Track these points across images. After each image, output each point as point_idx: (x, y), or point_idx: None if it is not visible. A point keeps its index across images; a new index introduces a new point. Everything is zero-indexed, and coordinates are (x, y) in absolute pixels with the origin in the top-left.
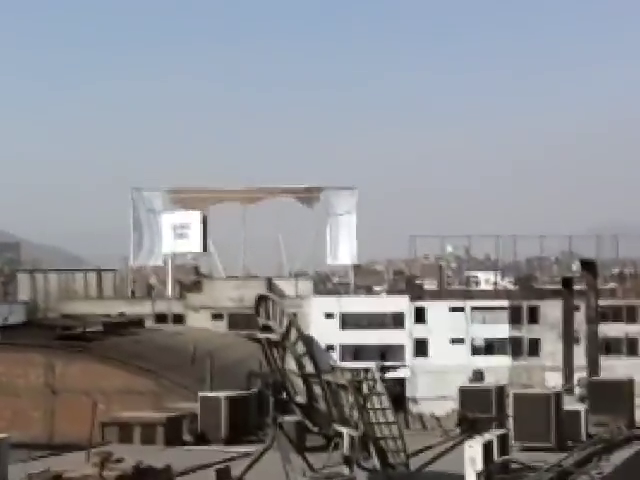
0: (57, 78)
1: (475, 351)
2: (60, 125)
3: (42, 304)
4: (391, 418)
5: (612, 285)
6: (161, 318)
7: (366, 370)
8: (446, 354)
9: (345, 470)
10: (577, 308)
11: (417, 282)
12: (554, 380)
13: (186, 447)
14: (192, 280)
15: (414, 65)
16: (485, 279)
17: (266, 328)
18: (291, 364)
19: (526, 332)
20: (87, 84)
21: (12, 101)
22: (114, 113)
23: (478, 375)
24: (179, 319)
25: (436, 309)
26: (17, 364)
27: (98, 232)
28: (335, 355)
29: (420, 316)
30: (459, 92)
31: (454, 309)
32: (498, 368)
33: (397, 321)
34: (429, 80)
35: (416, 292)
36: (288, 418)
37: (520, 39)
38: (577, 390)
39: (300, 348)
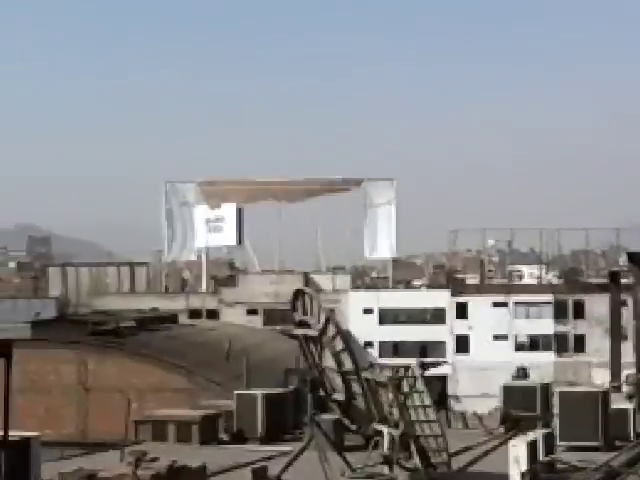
0: (89, 70)
1: (518, 347)
2: (90, 118)
3: (73, 299)
4: (432, 416)
5: None
6: (195, 314)
7: (406, 367)
8: (488, 351)
9: (385, 470)
10: (624, 303)
11: (458, 276)
12: (601, 377)
13: (222, 446)
14: (226, 275)
15: (458, 54)
16: (529, 273)
17: (303, 324)
18: (329, 361)
19: (571, 328)
20: (118, 76)
21: (41, 92)
22: (147, 105)
23: (522, 372)
24: (213, 315)
25: (478, 304)
26: (49, 361)
27: (130, 226)
28: (374, 352)
29: (461, 311)
30: (503, 82)
31: (497, 304)
32: (542, 365)
33: (437, 317)
34: (471, 69)
35: (457, 287)
36: (326, 416)
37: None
38: (625, 388)
39: (338, 344)
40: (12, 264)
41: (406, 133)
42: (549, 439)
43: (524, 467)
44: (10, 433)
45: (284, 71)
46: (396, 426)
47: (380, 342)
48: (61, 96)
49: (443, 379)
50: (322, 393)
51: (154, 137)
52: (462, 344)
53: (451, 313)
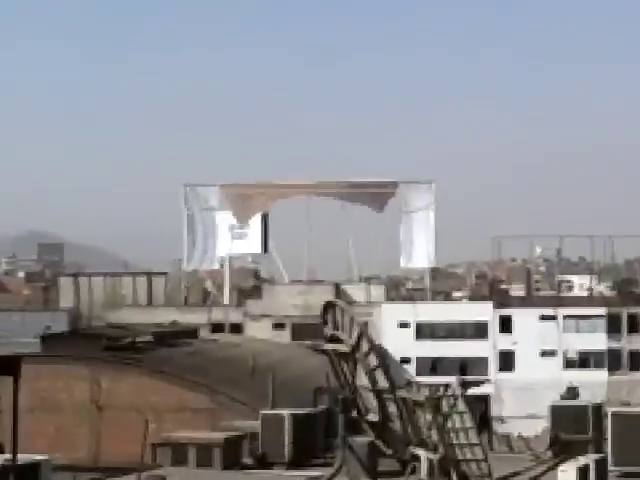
0: (100, 74)
1: (568, 364)
2: (103, 123)
3: (86, 311)
4: (474, 439)
5: None
6: (217, 327)
7: (446, 386)
8: (535, 368)
9: None
10: None
11: (502, 287)
12: None
13: (246, 471)
14: (251, 285)
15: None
16: (579, 284)
17: (334, 339)
18: (362, 379)
19: (626, 343)
20: (133, 77)
21: (51, 101)
22: (160, 108)
23: (572, 391)
24: (237, 329)
25: (524, 317)
26: (60, 377)
27: (147, 233)
28: (411, 369)
29: (506, 325)
30: (555, 81)
31: (544, 317)
32: (594, 384)
33: (480, 331)
34: (520, 65)
35: (501, 298)
36: (359, 439)
37: None
38: None
39: (372, 361)
40: (21, 273)
41: (446, 130)
42: (601, 464)
43: None
44: (19, 456)
45: (302, 68)
46: (435, 450)
47: (417, 358)
48: (69, 101)
49: (485, 399)
50: (355, 414)
51: (171, 140)
52: (506, 361)
53: (494, 327)
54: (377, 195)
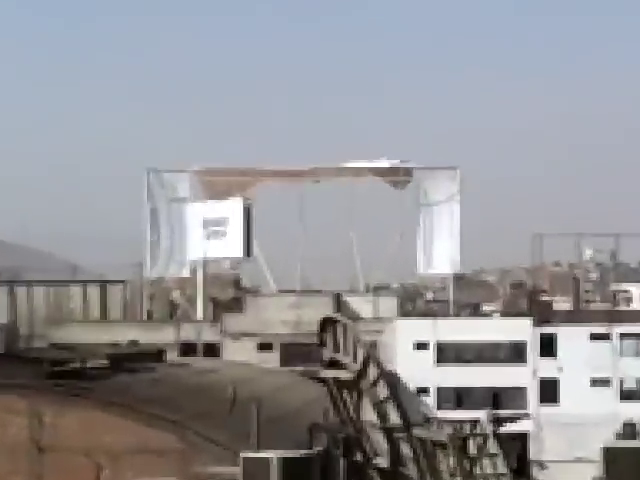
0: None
1: (625, 396)
2: (44, 98)
3: (25, 328)
4: None
5: None
6: (188, 349)
7: (473, 422)
8: (585, 400)
9: None
10: None
11: (544, 299)
12: None
13: None
14: (231, 296)
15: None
16: (639, 294)
17: (334, 363)
18: (369, 413)
19: None
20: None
21: None
22: (119, 81)
23: (630, 429)
24: (213, 350)
25: (571, 337)
26: None
27: (101, 232)
28: (430, 401)
29: (548, 347)
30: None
31: (596, 337)
32: None
33: (516, 354)
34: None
35: (543, 313)
36: None
37: None
38: None
39: (381, 391)
40: None
41: (472, 110)
42: None
43: None
44: None
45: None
46: None
47: (438, 388)
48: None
49: (523, 438)
50: (359, 457)
51: (133, 120)
52: (549, 391)
53: (534, 349)
54: (387, 184)
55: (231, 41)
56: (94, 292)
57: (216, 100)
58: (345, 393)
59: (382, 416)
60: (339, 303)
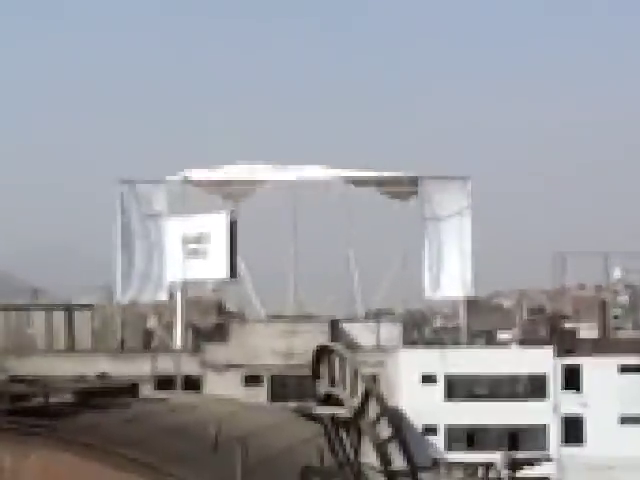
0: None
1: None
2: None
3: None
4: None
5: None
6: (165, 382)
7: (488, 466)
8: (614, 440)
9: None
10: None
11: (567, 326)
12: None
13: None
14: (213, 323)
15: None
16: None
17: (330, 399)
18: (369, 455)
19: None
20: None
21: None
22: (90, 86)
23: None
24: (193, 384)
25: (597, 369)
26: None
27: (67, 250)
28: (439, 442)
29: (572, 380)
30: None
31: (626, 369)
32: None
33: (536, 388)
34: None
35: (565, 342)
36: None
37: None
38: None
39: (383, 430)
40: None
41: (481, 115)
42: None
43: None
44: None
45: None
46: None
47: (448, 427)
48: None
49: None
50: None
51: (104, 128)
52: (573, 430)
53: (556, 382)
54: (391, 195)
55: (210, 49)
56: (59, 318)
57: (195, 110)
58: (342, 432)
59: (384, 459)
60: (336, 330)
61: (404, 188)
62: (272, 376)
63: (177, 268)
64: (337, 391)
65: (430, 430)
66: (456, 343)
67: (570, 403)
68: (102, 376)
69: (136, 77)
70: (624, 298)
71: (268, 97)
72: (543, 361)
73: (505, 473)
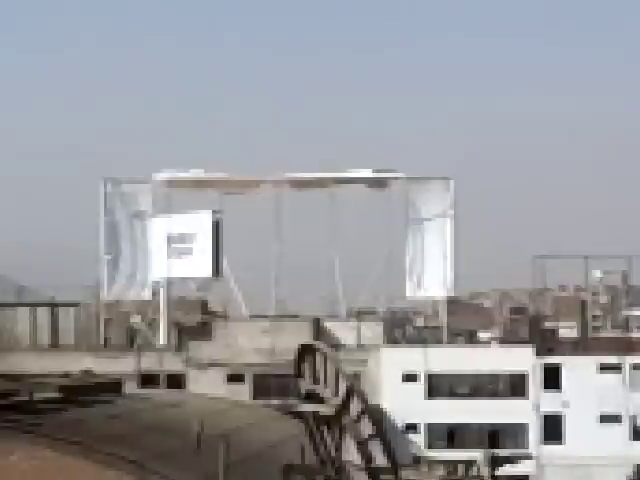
0: None
1: (638, 434)
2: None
3: None
4: None
5: None
6: (149, 380)
7: (468, 463)
8: (592, 438)
9: None
10: None
11: (547, 326)
12: None
13: None
14: (197, 321)
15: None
16: None
17: (313, 396)
18: (351, 452)
19: None
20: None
21: None
22: (80, 82)
23: None
24: (176, 381)
25: (577, 368)
26: None
27: (51, 248)
28: (420, 439)
29: (552, 379)
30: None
31: (605, 368)
32: None
33: (516, 386)
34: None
35: (546, 341)
36: None
37: None
38: None
39: (365, 428)
40: None
41: (465, 116)
42: None
43: None
44: None
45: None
46: None
47: (429, 425)
48: None
49: None
50: None
51: (90, 125)
52: (552, 428)
53: (536, 381)
54: (372, 196)
55: (197, 48)
56: (44, 316)
57: (181, 108)
58: (325, 430)
59: (366, 456)
60: (318, 329)
61: (385, 186)
62: (255, 374)
63: (161, 267)
64: (319, 389)
65: (411, 428)
66: (437, 342)
67: (550, 402)
68: (86, 373)
69: (132, 73)
70: (604, 299)
71: (254, 96)
72: (523, 360)
73: (485, 471)
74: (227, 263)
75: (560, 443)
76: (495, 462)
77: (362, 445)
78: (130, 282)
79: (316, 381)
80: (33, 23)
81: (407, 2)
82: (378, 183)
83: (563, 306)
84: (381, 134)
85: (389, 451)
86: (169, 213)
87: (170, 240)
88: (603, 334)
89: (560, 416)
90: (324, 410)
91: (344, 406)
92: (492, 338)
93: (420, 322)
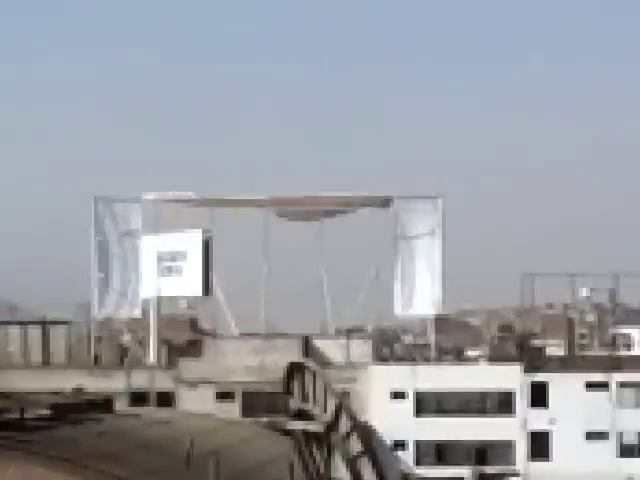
0: None
1: (625, 451)
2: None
3: None
4: None
5: None
6: (139, 398)
7: None
8: (579, 455)
9: None
10: None
11: (535, 344)
12: None
13: None
14: (187, 340)
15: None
16: None
17: (302, 414)
18: (340, 470)
19: None
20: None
21: None
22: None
23: None
24: (166, 399)
25: (564, 386)
26: None
27: (43, 267)
28: (408, 457)
29: (539, 396)
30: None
31: (592, 386)
32: None
33: (504, 404)
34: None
35: (533, 359)
36: None
37: None
38: None
39: (354, 445)
40: None
41: (453, 134)
42: None
43: None
44: None
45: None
46: None
47: (417, 442)
48: None
49: None
50: None
51: (82, 142)
52: (540, 445)
53: (524, 399)
54: (362, 215)
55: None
56: (35, 334)
57: (171, 128)
58: (314, 447)
59: (355, 473)
60: (308, 347)
61: (375, 208)
62: (244, 392)
63: (151, 285)
64: (309, 406)
65: (400, 445)
66: (426, 360)
67: (537, 419)
68: (77, 391)
69: (128, 88)
70: (591, 317)
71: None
72: (511, 378)
73: None
74: (217, 282)
75: (547, 460)
76: (483, 479)
77: (351, 462)
78: (121, 300)
79: (305, 399)
80: (31, 30)
81: (402, 19)
82: (369, 202)
83: (550, 324)
84: (370, 151)
85: (378, 468)
86: (159, 232)
87: (160, 258)
88: (590, 352)
89: (547, 433)
90: (313, 427)
91: (333, 423)
92: (480, 356)
93: (409, 340)
